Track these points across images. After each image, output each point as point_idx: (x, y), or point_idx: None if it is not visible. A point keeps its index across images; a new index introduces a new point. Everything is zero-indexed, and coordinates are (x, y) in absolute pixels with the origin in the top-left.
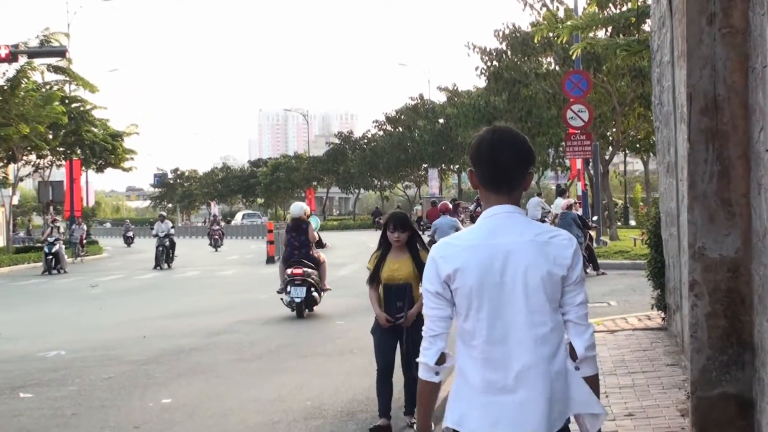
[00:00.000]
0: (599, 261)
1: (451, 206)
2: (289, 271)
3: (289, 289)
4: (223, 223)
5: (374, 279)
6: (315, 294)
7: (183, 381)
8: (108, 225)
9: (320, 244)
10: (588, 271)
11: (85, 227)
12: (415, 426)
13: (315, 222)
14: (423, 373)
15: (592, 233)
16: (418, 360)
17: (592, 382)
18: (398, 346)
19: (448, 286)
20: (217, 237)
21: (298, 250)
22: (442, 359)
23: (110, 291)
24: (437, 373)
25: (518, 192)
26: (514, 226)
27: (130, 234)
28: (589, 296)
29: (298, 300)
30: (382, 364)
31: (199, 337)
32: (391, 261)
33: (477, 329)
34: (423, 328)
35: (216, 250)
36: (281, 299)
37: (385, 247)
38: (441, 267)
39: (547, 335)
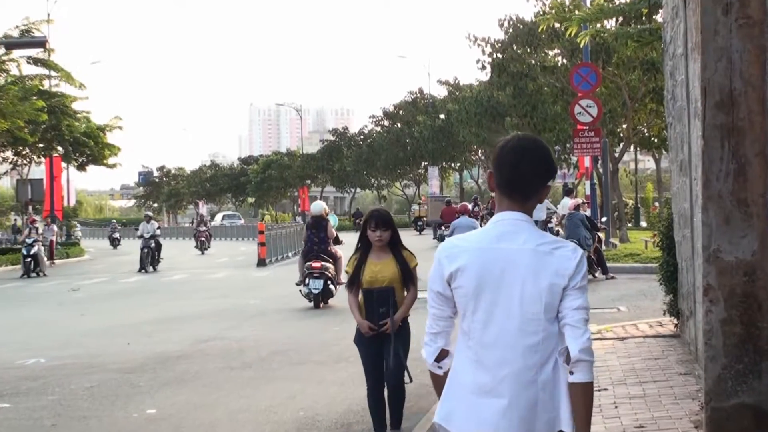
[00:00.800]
0: (608, 264)
1: (470, 207)
2: (308, 264)
3: (307, 281)
4: (230, 223)
5: (354, 283)
6: (331, 287)
7: (169, 390)
8: (78, 228)
9: (337, 241)
10: (597, 274)
11: (55, 228)
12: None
13: (333, 220)
14: (428, 366)
15: (601, 235)
16: (422, 353)
17: (586, 390)
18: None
19: (449, 285)
20: (203, 239)
21: (317, 245)
22: (442, 355)
23: (92, 295)
24: (440, 368)
25: (533, 202)
26: (519, 234)
27: (117, 235)
28: (597, 301)
29: (315, 291)
30: (371, 380)
31: (186, 343)
32: (373, 262)
33: (472, 330)
34: (426, 324)
35: (203, 253)
36: (299, 290)
37: (364, 248)
38: (444, 266)
39: (538, 344)
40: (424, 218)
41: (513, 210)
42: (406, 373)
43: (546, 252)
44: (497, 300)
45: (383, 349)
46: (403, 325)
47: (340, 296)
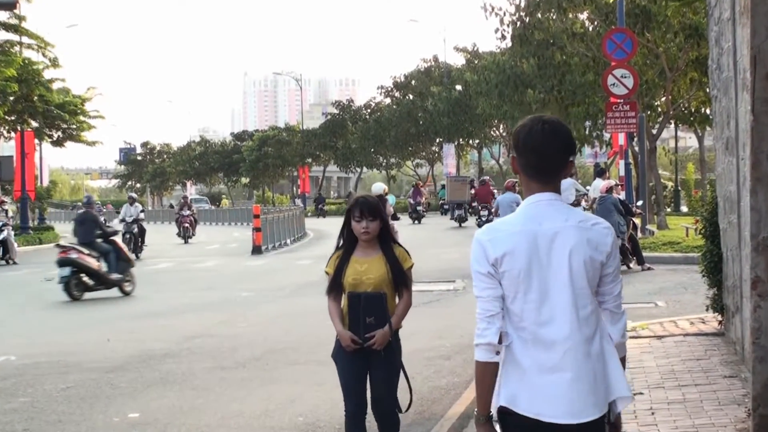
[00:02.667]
0: (645, 254)
1: (512, 184)
2: None
3: None
4: (195, 207)
5: (335, 287)
6: None
7: (153, 392)
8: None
9: (394, 217)
10: (632, 265)
11: (7, 209)
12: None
13: (392, 200)
14: (482, 355)
15: (637, 221)
16: (475, 342)
17: (623, 363)
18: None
19: (495, 268)
20: (187, 225)
21: None
22: (501, 338)
23: None
24: (498, 353)
25: (559, 180)
26: (558, 213)
27: (102, 219)
28: (632, 295)
29: None
30: (350, 405)
31: (172, 341)
32: (358, 261)
33: (525, 311)
34: (477, 310)
35: (186, 242)
36: None
37: (348, 244)
38: (489, 250)
39: (589, 317)
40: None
41: (544, 191)
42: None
43: (587, 228)
44: (549, 278)
45: (367, 369)
46: (394, 339)
47: (321, 305)
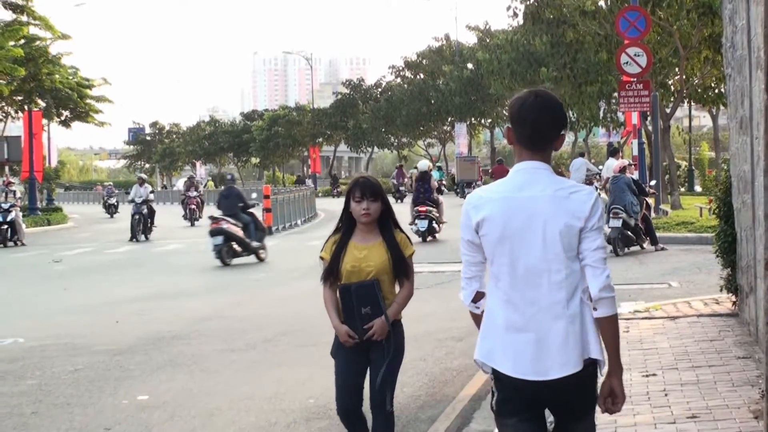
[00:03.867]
0: (658, 234)
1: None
2: (416, 208)
3: (416, 221)
4: (202, 188)
5: (332, 274)
6: (435, 225)
7: (162, 375)
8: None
9: (439, 190)
10: (645, 245)
11: (15, 190)
12: None
13: (437, 174)
14: (467, 306)
15: (650, 201)
16: (459, 296)
17: (610, 322)
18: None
19: (476, 233)
20: (193, 207)
21: (422, 194)
22: (478, 297)
23: (77, 267)
24: (477, 308)
25: (550, 150)
26: (538, 181)
27: (114, 201)
28: (646, 276)
29: (423, 229)
30: (346, 401)
31: (182, 323)
32: (356, 246)
33: (500, 273)
34: (461, 270)
35: (192, 225)
36: (410, 228)
37: (346, 228)
38: (471, 216)
39: (563, 281)
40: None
41: (533, 159)
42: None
43: (563, 197)
44: (522, 244)
45: (367, 362)
46: (396, 330)
47: (444, 233)
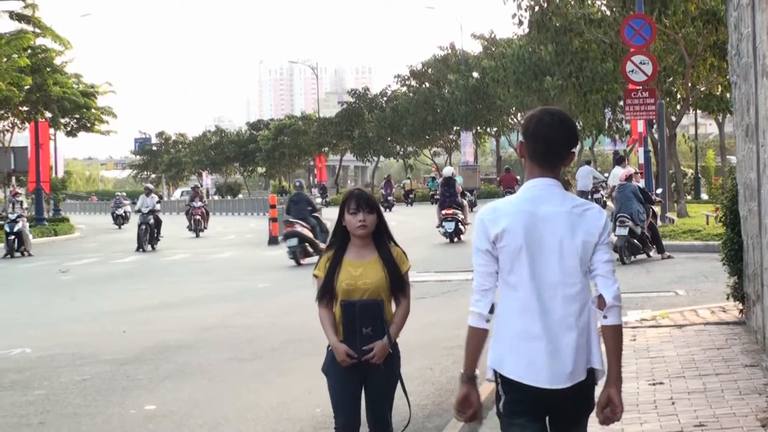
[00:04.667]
0: (665, 242)
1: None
2: (443, 211)
3: (443, 224)
4: (213, 197)
5: (327, 292)
6: (460, 227)
7: (169, 384)
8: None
9: (463, 195)
10: (651, 254)
11: (22, 201)
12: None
13: (459, 180)
14: (474, 321)
15: (656, 209)
16: (469, 309)
17: (617, 331)
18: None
19: (494, 245)
20: (198, 217)
21: (448, 198)
22: (492, 309)
23: (84, 277)
24: (488, 321)
25: (560, 167)
26: (554, 197)
27: (122, 211)
28: (652, 284)
29: (450, 230)
30: (344, 420)
31: (188, 332)
32: (351, 263)
33: (519, 283)
34: (474, 282)
35: (197, 236)
36: (438, 230)
37: (340, 243)
38: (489, 228)
39: (577, 294)
40: (414, 191)
41: (544, 176)
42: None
43: (578, 213)
44: (540, 256)
45: (363, 383)
46: (393, 352)
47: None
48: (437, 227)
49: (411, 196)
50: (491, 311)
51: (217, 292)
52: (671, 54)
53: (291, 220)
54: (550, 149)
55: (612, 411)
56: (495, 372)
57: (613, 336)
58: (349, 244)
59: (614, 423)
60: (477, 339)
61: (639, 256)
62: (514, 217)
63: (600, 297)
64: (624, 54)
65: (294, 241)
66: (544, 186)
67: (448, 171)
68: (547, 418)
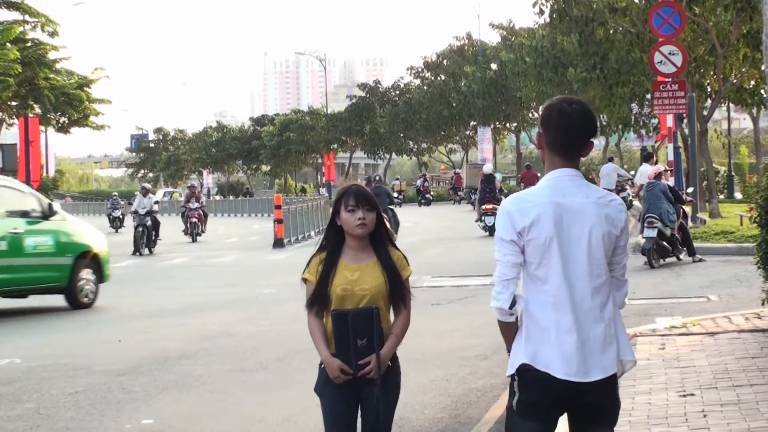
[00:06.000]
0: (696, 244)
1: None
2: (483, 206)
3: (483, 218)
4: (214, 197)
5: (319, 299)
6: None
7: (168, 397)
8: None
9: (501, 191)
10: (682, 256)
11: None
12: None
13: (498, 176)
14: (500, 316)
15: (687, 209)
16: (492, 305)
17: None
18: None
19: (521, 236)
20: (195, 220)
21: (489, 193)
22: (514, 302)
23: None
24: (512, 314)
25: (579, 158)
26: (579, 188)
27: (119, 213)
28: (683, 289)
29: (489, 224)
30: None
31: (188, 341)
32: (347, 267)
33: (549, 275)
34: (495, 273)
35: (194, 240)
36: (478, 225)
37: (333, 245)
38: (516, 219)
39: (603, 285)
40: (404, 192)
41: (566, 167)
42: None
43: (604, 204)
44: (570, 248)
45: (358, 401)
46: (392, 365)
47: (467, 243)
48: (476, 221)
49: (400, 197)
50: (512, 305)
51: (218, 299)
52: (702, 44)
53: None
54: (571, 139)
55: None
56: (520, 366)
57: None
58: (344, 246)
59: None
60: (509, 331)
61: (668, 260)
62: (543, 208)
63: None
64: (651, 44)
65: None
66: (569, 177)
67: (488, 168)
68: (568, 420)
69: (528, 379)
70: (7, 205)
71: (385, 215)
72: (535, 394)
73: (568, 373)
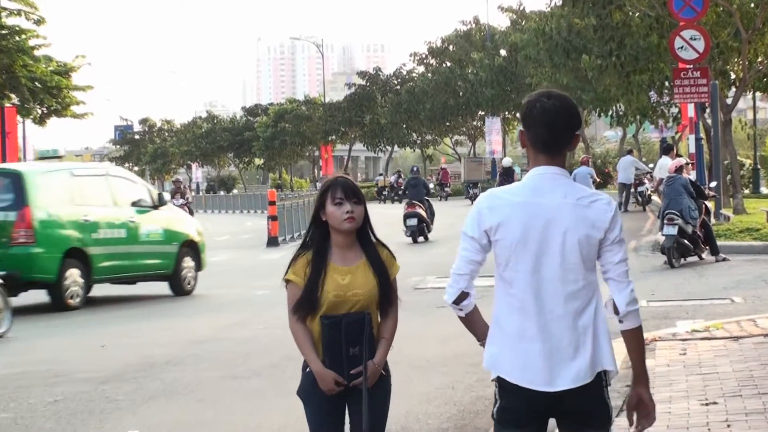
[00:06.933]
0: (719, 242)
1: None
2: None
3: None
4: (192, 194)
5: (307, 306)
6: None
7: (155, 406)
8: None
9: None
10: (704, 255)
11: None
12: None
13: (518, 169)
14: (455, 312)
15: (710, 205)
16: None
17: (636, 334)
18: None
19: (488, 235)
20: None
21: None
22: (461, 298)
23: None
24: (461, 310)
25: (565, 154)
26: (559, 188)
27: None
28: (705, 290)
29: None
30: None
31: (177, 346)
32: (337, 270)
33: (515, 279)
34: (452, 266)
35: None
36: None
37: (319, 244)
38: (485, 217)
39: (578, 292)
40: (387, 189)
41: (549, 164)
42: None
43: (584, 205)
44: (541, 251)
45: (348, 412)
46: (385, 372)
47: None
48: None
49: (385, 193)
50: (458, 301)
51: (209, 301)
52: (725, 28)
53: (413, 201)
54: (553, 135)
55: (644, 410)
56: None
57: (634, 339)
58: (330, 245)
59: (651, 426)
60: (468, 324)
61: (690, 259)
62: (512, 209)
63: (613, 303)
64: (672, 29)
65: (414, 221)
66: (550, 175)
67: (507, 162)
68: (556, 424)
69: (507, 385)
70: (122, 195)
71: (422, 205)
72: (514, 401)
73: (531, 381)
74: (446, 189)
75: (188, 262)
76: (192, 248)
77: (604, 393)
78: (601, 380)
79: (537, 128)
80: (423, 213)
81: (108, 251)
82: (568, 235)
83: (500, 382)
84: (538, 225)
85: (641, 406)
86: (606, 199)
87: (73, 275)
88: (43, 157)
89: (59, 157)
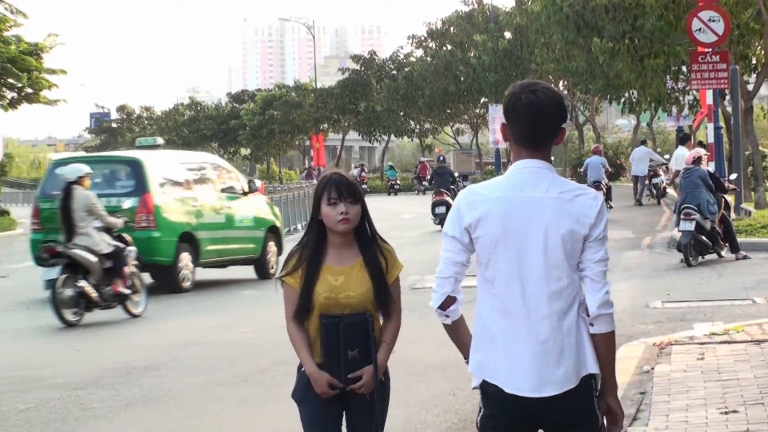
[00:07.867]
0: (740, 239)
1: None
2: None
3: None
4: None
5: (304, 308)
6: None
7: (133, 414)
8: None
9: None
10: (723, 253)
11: None
12: None
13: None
14: (441, 319)
15: (730, 198)
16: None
17: (607, 338)
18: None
19: (468, 233)
20: None
21: None
22: (448, 302)
23: (26, 284)
24: (447, 316)
25: (550, 148)
26: (541, 182)
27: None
28: (725, 290)
29: None
30: None
31: (157, 350)
32: (331, 270)
33: (497, 278)
34: (436, 270)
35: None
36: None
37: (315, 243)
38: (464, 214)
39: (562, 290)
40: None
41: (533, 158)
42: None
43: (568, 199)
44: (522, 248)
45: (343, 412)
46: (384, 377)
47: None
48: None
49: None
50: (444, 306)
51: (192, 302)
52: (746, 8)
53: (441, 190)
54: (537, 128)
55: (613, 420)
56: (481, 382)
57: (604, 344)
58: (327, 244)
59: None
60: (452, 334)
61: (708, 256)
62: (492, 204)
63: (585, 304)
64: (689, 9)
65: (443, 209)
66: (533, 169)
67: None
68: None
69: (490, 392)
70: (217, 183)
71: (449, 193)
72: (497, 409)
73: (518, 387)
74: (423, 183)
75: (272, 247)
76: (275, 233)
77: (594, 403)
78: (590, 387)
79: (521, 123)
80: (451, 201)
81: (212, 236)
82: (550, 230)
83: (483, 389)
84: (519, 221)
85: (610, 414)
86: (592, 194)
87: (185, 259)
88: (140, 146)
89: (158, 146)
